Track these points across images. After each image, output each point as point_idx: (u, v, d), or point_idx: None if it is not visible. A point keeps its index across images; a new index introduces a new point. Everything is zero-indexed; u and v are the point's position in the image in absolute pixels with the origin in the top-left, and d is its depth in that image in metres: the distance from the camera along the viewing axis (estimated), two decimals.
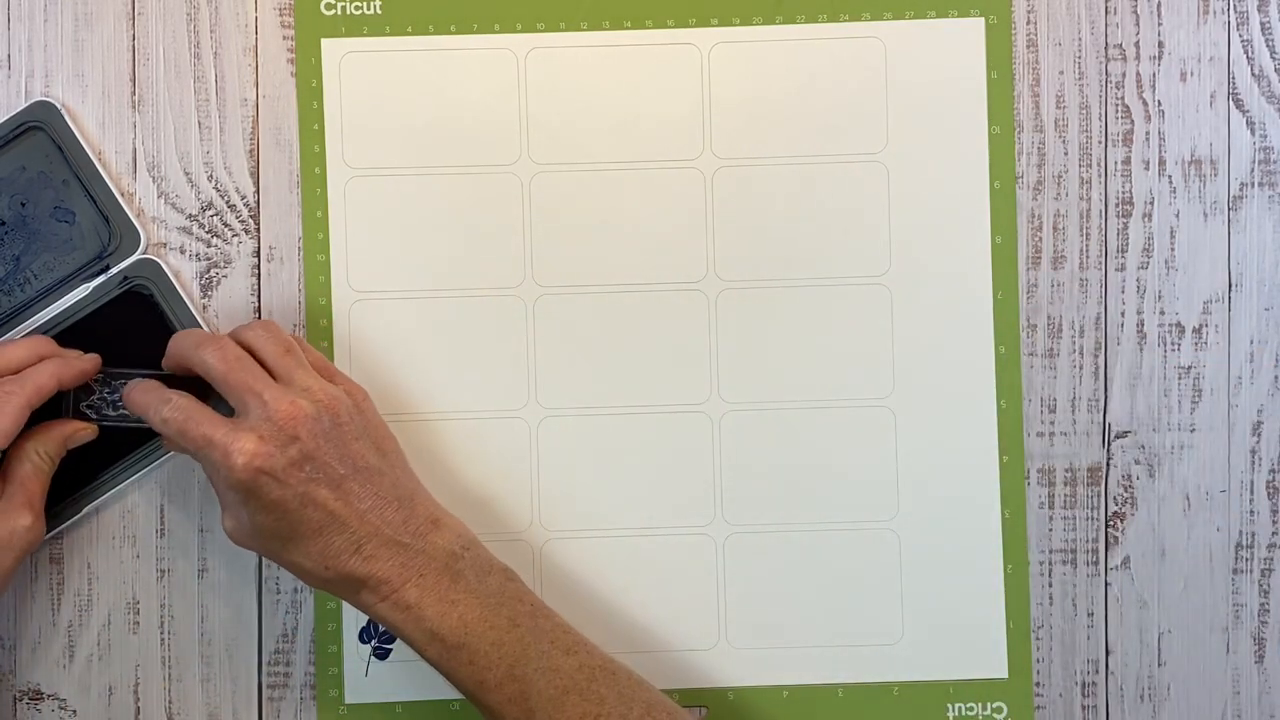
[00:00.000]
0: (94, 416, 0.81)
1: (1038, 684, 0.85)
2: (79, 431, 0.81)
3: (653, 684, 0.77)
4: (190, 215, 0.85)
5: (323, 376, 0.79)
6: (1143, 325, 0.85)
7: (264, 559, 0.84)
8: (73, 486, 0.83)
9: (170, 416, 0.76)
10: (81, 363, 0.80)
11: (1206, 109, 0.85)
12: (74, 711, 0.84)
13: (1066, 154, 0.85)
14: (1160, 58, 0.85)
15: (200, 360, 0.77)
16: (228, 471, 0.74)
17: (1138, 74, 0.85)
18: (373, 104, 0.85)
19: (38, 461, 0.79)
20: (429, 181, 0.85)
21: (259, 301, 0.85)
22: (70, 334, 0.83)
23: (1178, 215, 0.85)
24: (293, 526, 0.75)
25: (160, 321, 0.83)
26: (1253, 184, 0.85)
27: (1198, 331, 0.85)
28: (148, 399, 0.78)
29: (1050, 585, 0.85)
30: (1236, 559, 0.85)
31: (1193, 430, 0.85)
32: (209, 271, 0.85)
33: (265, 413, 0.75)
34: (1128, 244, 0.85)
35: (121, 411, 0.80)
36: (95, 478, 0.83)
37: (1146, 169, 0.85)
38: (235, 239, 0.85)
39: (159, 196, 0.84)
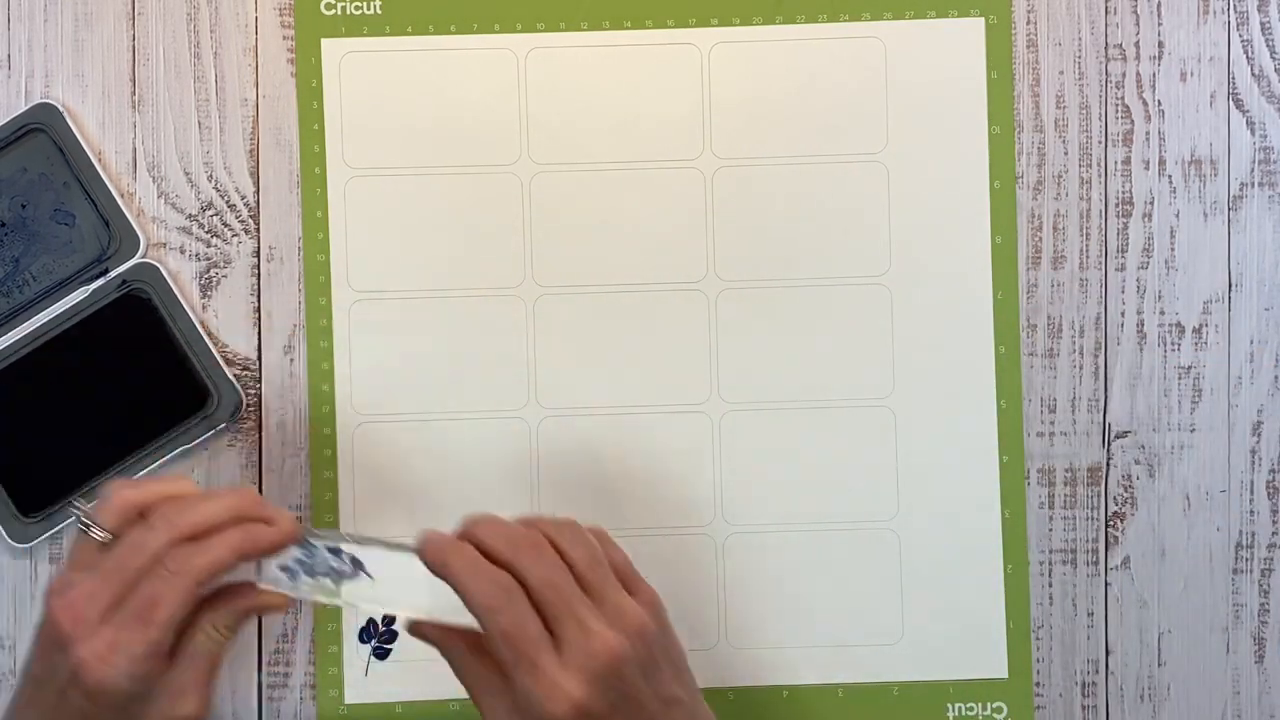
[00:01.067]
0: (288, 581, 0.71)
1: (1038, 684, 0.85)
2: (269, 606, 0.72)
3: None
4: (190, 215, 0.85)
5: (625, 581, 0.72)
6: (1143, 325, 0.85)
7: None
8: (70, 487, 0.83)
9: (500, 608, 0.67)
10: (276, 534, 0.70)
11: (1206, 109, 0.85)
12: None
13: (1066, 154, 0.85)
14: (1160, 58, 0.85)
15: (516, 564, 0.69)
16: (546, 711, 0.67)
17: (1138, 74, 0.85)
18: (373, 104, 0.85)
19: (212, 637, 0.70)
20: (429, 181, 0.85)
21: (259, 301, 0.85)
22: (68, 337, 0.83)
23: (1178, 215, 0.85)
24: None
25: (159, 326, 0.83)
26: (1253, 184, 0.85)
27: (1198, 331, 0.85)
28: (469, 569, 0.68)
29: (1050, 585, 0.85)
30: (1236, 559, 0.85)
31: (1193, 430, 0.85)
32: (209, 271, 0.85)
33: (588, 646, 0.67)
34: (1128, 244, 0.85)
35: (320, 579, 0.72)
36: (94, 479, 0.83)
37: (1146, 169, 0.85)
38: (235, 239, 0.85)
39: (159, 196, 0.84)
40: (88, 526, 0.69)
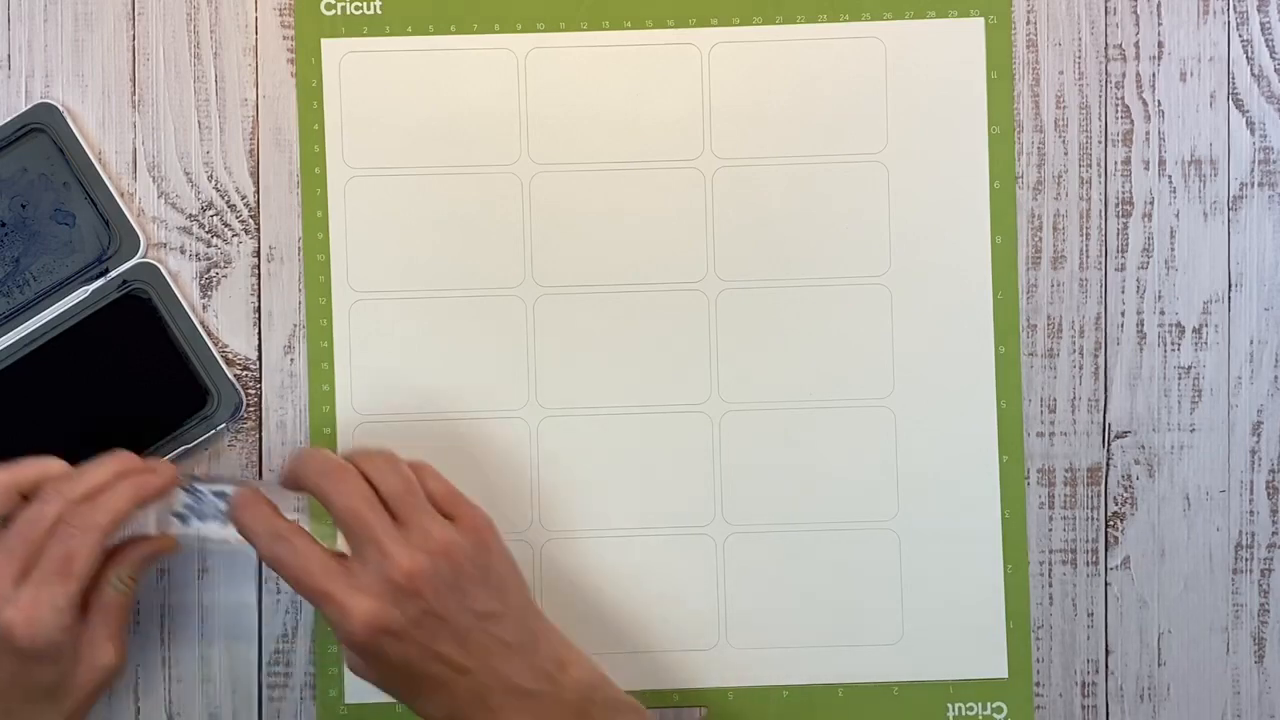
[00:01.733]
0: (180, 526, 0.77)
1: (1038, 684, 0.85)
2: (163, 549, 0.78)
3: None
4: (190, 215, 0.85)
5: (445, 507, 0.76)
6: (1143, 325, 0.85)
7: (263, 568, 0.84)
8: None
9: (285, 559, 0.73)
10: (160, 479, 0.76)
11: (1206, 109, 0.85)
12: None
13: (1066, 154, 0.85)
14: (1160, 58, 0.85)
15: (321, 491, 0.74)
16: (346, 632, 0.72)
17: (1138, 74, 0.85)
18: (373, 104, 0.85)
19: (118, 588, 0.76)
20: (429, 181, 0.85)
21: (259, 301, 0.85)
22: (68, 337, 0.83)
23: (1178, 215, 0.85)
24: (417, 681, 0.73)
25: (158, 326, 0.83)
26: (1253, 184, 0.85)
27: (1198, 331, 0.85)
28: (259, 528, 0.74)
29: (1050, 585, 0.85)
30: (1236, 559, 0.85)
31: (1193, 430, 0.85)
32: (209, 271, 0.85)
33: (384, 569, 0.72)
34: (1128, 244, 0.85)
35: (209, 522, 0.77)
36: None
37: (1146, 169, 0.85)
38: (235, 239, 0.85)
39: (159, 196, 0.85)
40: None
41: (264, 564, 0.76)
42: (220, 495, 0.77)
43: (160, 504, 0.77)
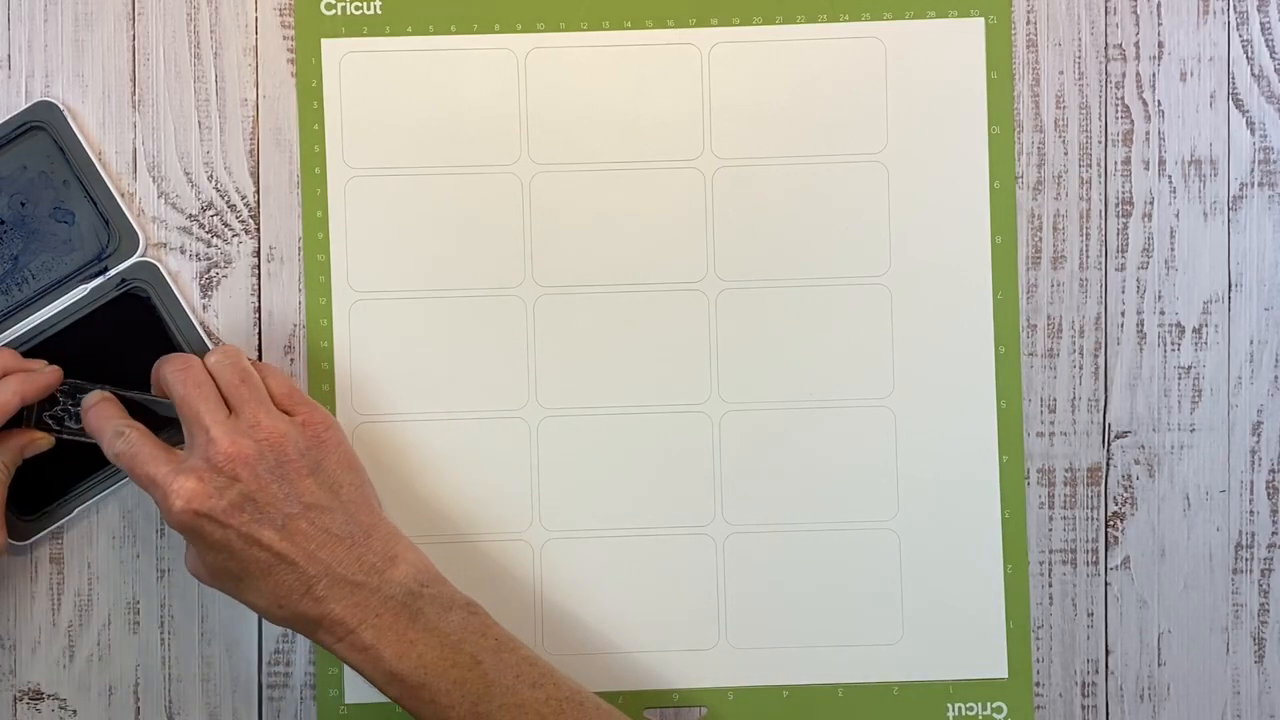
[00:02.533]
0: (54, 427, 0.81)
1: (1038, 684, 0.85)
2: (35, 442, 0.80)
3: (622, 712, 0.77)
4: (190, 215, 0.85)
5: (284, 405, 0.78)
6: (1143, 325, 0.85)
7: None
8: (63, 488, 0.83)
9: (120, 450, 0.77)
10: (44, 377, 0.80)
11: (1206, 109, 0.85)
12: (74, 711, 0.84)
13: (1066, 154, 0.85)
14: (1160, 58, 0.85)
15: (165, 381, 0.78)
16: (167, 513, 0.75)
17: (1138, 74, 0.85)
18: (373, 104, 0.85)
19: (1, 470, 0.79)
20: (429, 181, 0.85)
21: (259, 301, 0.85)
22: (67, 335, 0.83)
23: (1178, 215, 0.85)
24: (242, 566, 0.75)
25: (157, 325, 0.83)
26: (1253, 184, 0.85)
27: (1198, 331, 0.85)
28: (102, 425, 0.78)
29: (1050, 585, 0.85)
30: (1236, 559, 0.85)
31: (1193, 430, 0.85)
32: (209, 271, 0.85)
33: (207, 451, 0.75)
34: (1128, 244, 0.85)
35: (80, 423, 0.81)
36: (86, 480, 0.83)
37: (1146, 169, 0.85)
38: (235, 239, 0.85)
39: (159, 196, 0.84)
40: None
41: (109, 459, 0.78)
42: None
43: (39, 403, 0.80)
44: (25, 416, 0.80)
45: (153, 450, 0.76)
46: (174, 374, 0.77)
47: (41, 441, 0.81)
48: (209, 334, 0.84)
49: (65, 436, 0.81)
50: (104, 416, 0.78)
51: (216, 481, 0.74)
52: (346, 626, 0.74)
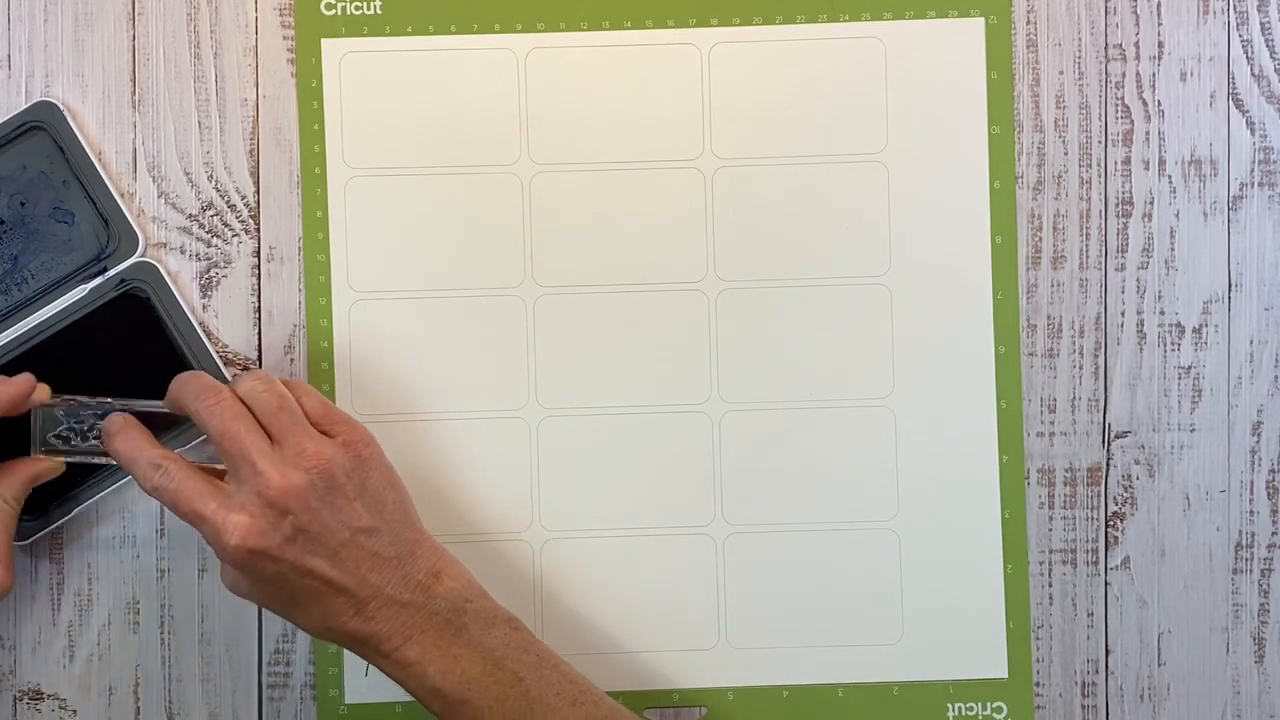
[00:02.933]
0: (61, 448, 0.79)
1: (1038, 684, 0.85)
2: (43, 471, 0.79)
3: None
4: (190, 215, 0.85)
5: (322, 425, 0.77)
6: (1143, 325, 0.85)
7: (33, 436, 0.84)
8: (63, 488, 0.83)
9: (160, 485, 0.74)
10: (9, 391, 0.77)
11: (1206, 109, 0.85)
12: (74, 711, 0.84)
13: (1066, 154, 0.85)
14: (1160, 58, 0.85)
15: (196, 414, 0.75)
16: (221, 551, 0.73)
17: (1138, 74, 0.85)
18: (373, 104, 0.85)
19: (6, 507, 0.78)
20: (429, 181, 0.85)
21: (259, 301, 0.85)
22: (66, 335, 0.83)
23: (1178, 215, 0.85)
24: (292, 595, 0.74)
25: (156, 325, 0.83)
26: (1253, 184, 0.85)
27: (1198, 331, 0.85)
28: (134, 455, 0.75)
29: (1050, 585, 0.85)
30: (1236, 559, 0.85)
31: (1193, 430, 0.85)
32: (209, 271, 0.85)
33: (257, 485, 0.73)
34: (1128, 244, 0.85)
35: (92, 443, 0.78)
36: (86, 480, 0.83)
37: (1146, 169, 0.85)
38: (235, 239, 0.85)
39: (159, 196, 0.84)
40: None
41: (144, 491, 0.76)
42: (103, 416, 0.78)
43: (42, 425, 0.78)
44: (31, 441, 0.78)
45: (197, 485, 0.74)
46: (208, 409, 0.75)
47: (49, 469, 0.79)
48: (208, 334, 0.84)
49: (75, 459, 0.79)
50: (136, 446, 0.75)
51: (269, 517, 0.73)
52: (393, 643, 0.74)
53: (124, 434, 0.76)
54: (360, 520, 0.75)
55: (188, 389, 0.76)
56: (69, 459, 0.79)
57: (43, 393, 0.78)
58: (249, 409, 0.75)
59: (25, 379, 0.78)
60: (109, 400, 0.79)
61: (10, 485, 0.78)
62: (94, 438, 0.79)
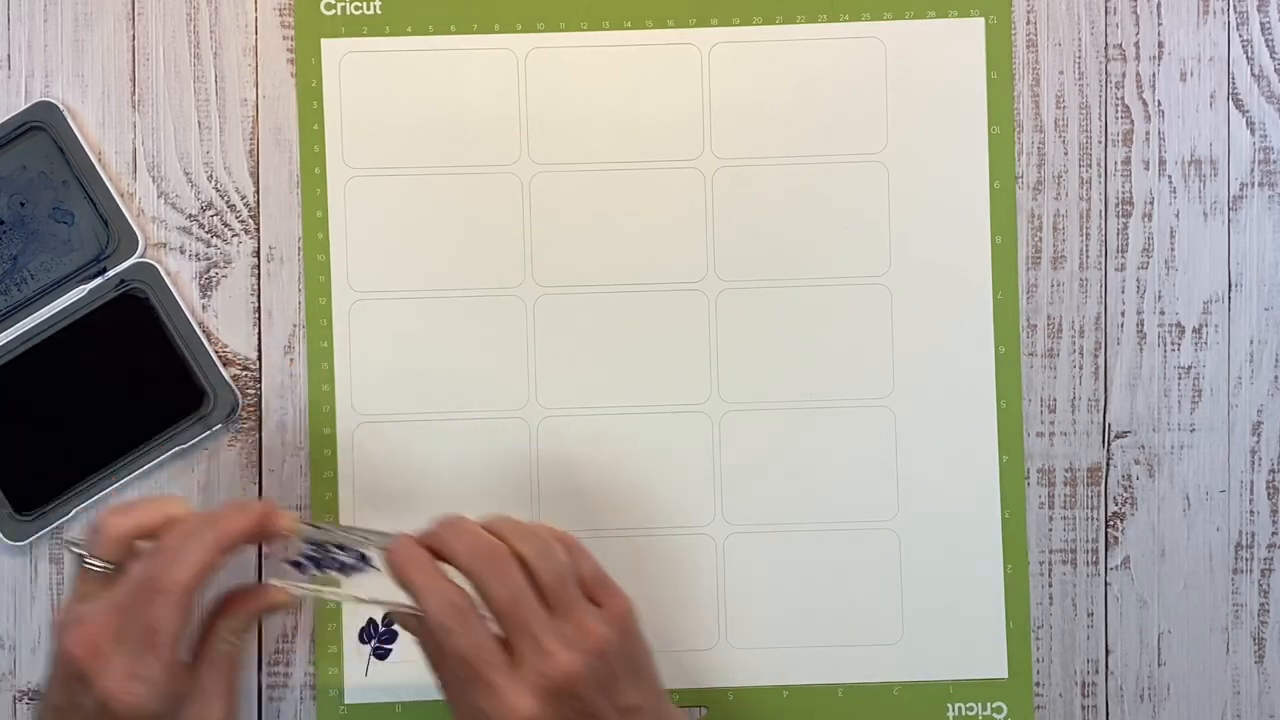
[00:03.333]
0: (297, 577, 0.73)
1: (1038, 684, 0.85)
2: (279, 604, 0.74)
3: None
4: (190, 215, 0.85)
5: (592, 591, 0.73)
6: (1143, 325, 0.85)
7: (264, 559, 0.84)
8: (63, 488, 0.83)
9: (457, 634, 0.69)
10: (244, 521, 0.71)
11: (1206, 109, 0.85)
12: None
13: (1066, 154, 0.85)
14: (1160, 58, 0.85)
15: (478, 578, 0.70)
16: (492, 717, 0.69)
17: (1138, 74, 0.85)
18: (373, 104, 0.85)
19: (227, 640, 0.72)
20: (429, 181, 0.85)
21: (259, 301, 0.84)
22: (65, 336, 0.83)
23: (1178, 215, 0.85)
24: None
25: (156, 326, 0.83)
26: (1253, 184, 0.85)
27: (1198, 331, 0.85)
28: (433, 588, 0.70)
29: (1050, 585, 0.85)
30: (1236, 559, 0.85)
31: (1193, 430, 0.85)
32: (209, 271, 0.84)
33: (541, 665, 0.69)
34: (1128, 244, 0.85)
35: (327, 572, 0.74)
36: (86, 480, 0.83)
37: (1146, 169, 0.85)
38: (235, 239, 0.85)
39: (159, 196, 0.84)
40: (85, 559, 0.70)
41: (433, 631, 0.71)
42: (341, 546, 0.74)
43: (277, 549, 0.74)
44: (259, 566, 0.74)
45: (490, 645, 0.70)
46: (489, 572, 0.70)
47: (284, 602, 0.73)
48: (208, 334, 0.84)
49: (309, 591, 0.73)
50: (432, 578, 0.70)
51: (554, 701, 0.69)
52: None
53: (417, 564, 0.71)
54: (628, 699, 0.72)
55: (460, 544, 0.71)
56: (304, 590, 0.73)
57: (290, 520, 0.73)
58: (523, 565, 0.71)
59: (262, 508, 0.72)
60: (355, 528, 0.75)
61: (237, 620, 0.73)
62: (327, 566, 0.74)
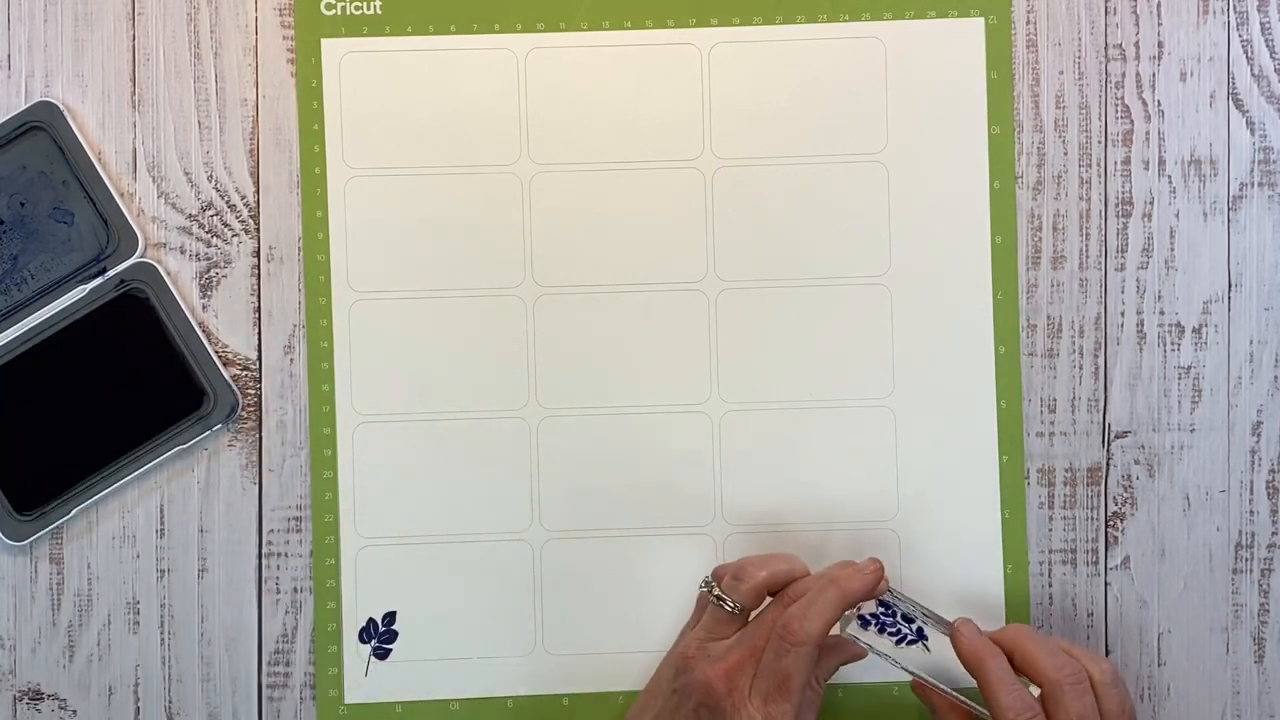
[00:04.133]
0: (861, 631, 0.77)
1: None
2: (856, 656, 0.79)
3: None
4: (190, 215, 0.85)
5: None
6: (1142, 325, 0.85)
7: (264, 559, 0.84)
8: (63, 488, 0.83)
9: None
10: (865, 580, 0.76)
11: (1206, 109, 0.85)
12: (74, 711, 0.84)
13: (1066, 154, 0.85)
14: (1160, 58, 0.85)
15: (1060, 697, 0.74)
16: None
17: (1137, 74, 0.85)
18: (373, 104, 0.85)
19: (814, 689, 0.77)
20: (429, 181, 0.85)
21: (259, 301, 0.84)
22: (65, 336, 0.83)
23: (1177, 215, 0.85)
24: None
25: (156, 326, 0.83)
26: (1253, 184, 0.85)
27: (1198, 331, 0.85)
28: (1003, 682, 0.74)
29: (1050, 585, 0.85)
30: (1236, 559, 0.85)
31: (1193, 430, 0.85)
32: (209, 271, 0.85)
33: None
34: (1127, 244, 0.85)
35: (887, 635, 0.78)
36: (86, 480, 0.83)
37: (1146, 169, 0.85)
38: (235, 239, 0.85)
39: (159, 196, 0.84)
40: (723, 601, 0.77)
41: (935, 702, 0.78)
42: (907, 618, 0.78)
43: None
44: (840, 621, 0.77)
45: None
46: (1075, 694, 0.74)
47: (860, 655, 0.79)
48: (208, 334, 0.84)
49: (878, 652, 0.77)
50: (1005, 675, 0.75)
51: None
52: None
53: (994, 658, 0.75)
54: None
55: (1043, 652, 0.75)
56: (876, 650, 0.77)
57: (886, 581, 0.78)
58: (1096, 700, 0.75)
59: (874, 570, 0.77)
60: (918, 602, 0.79)
61: (824, 669, 0.78)
62: (889, 631, 0.78)
